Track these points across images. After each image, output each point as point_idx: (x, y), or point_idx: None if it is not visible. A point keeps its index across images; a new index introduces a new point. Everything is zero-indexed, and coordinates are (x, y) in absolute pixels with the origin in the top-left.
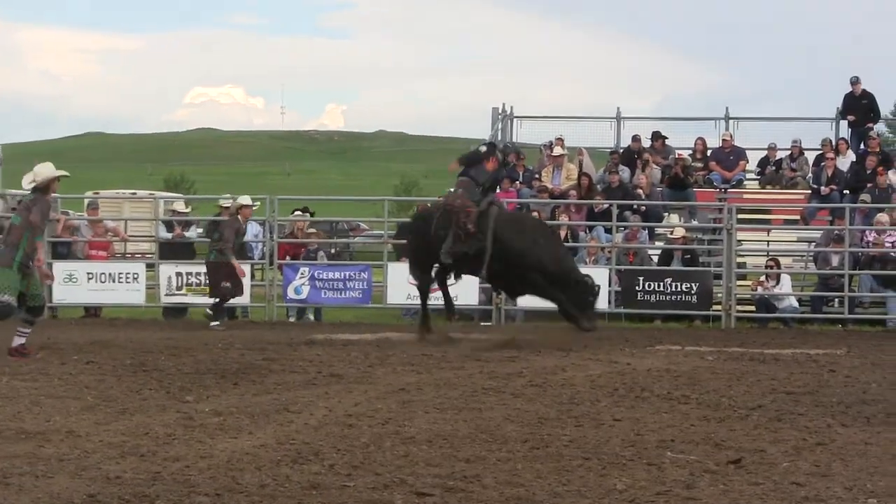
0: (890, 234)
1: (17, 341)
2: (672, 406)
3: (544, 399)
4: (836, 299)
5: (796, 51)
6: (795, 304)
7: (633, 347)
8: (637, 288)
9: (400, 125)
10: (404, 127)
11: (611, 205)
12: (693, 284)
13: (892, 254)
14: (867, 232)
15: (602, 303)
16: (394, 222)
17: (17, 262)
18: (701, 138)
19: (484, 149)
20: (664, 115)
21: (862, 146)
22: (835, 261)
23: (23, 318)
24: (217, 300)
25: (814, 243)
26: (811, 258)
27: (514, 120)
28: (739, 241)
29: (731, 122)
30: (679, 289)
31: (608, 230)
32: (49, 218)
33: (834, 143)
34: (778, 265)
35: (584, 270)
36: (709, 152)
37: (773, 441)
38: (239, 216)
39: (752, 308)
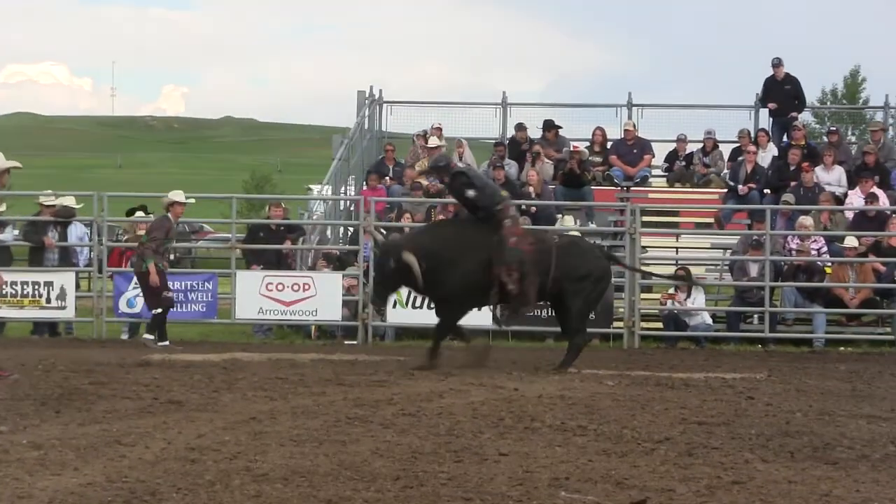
0: (816, 241)
1: None
2: (566, 438)
3: (419, 430)
4: (756, 315)
5: (710, 28)
6: (709, 320)
7: (522, 370)
8: None
9: (249, 111)
10: (254, 113)
11: None
12: None
13: (819, 263)
14: (790, 238)
15: (485, 319)
16: (243, 223)
17: None
18: (600, 128)
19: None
20: (557, 101)
21: (785, 139)
22: (754, 271)
23: None
24: (158, 312)
25: (729, 251)
26: (726, 268)
27: (384, 106)
28: (644, 247)
29: (634, 109)
30: None
31: None
32: None
33: (753, 134)
34: (689, 275)
35: None
36: (609, 144)
37: (682, 479)
38: (170, 214)
39: (659, 325)
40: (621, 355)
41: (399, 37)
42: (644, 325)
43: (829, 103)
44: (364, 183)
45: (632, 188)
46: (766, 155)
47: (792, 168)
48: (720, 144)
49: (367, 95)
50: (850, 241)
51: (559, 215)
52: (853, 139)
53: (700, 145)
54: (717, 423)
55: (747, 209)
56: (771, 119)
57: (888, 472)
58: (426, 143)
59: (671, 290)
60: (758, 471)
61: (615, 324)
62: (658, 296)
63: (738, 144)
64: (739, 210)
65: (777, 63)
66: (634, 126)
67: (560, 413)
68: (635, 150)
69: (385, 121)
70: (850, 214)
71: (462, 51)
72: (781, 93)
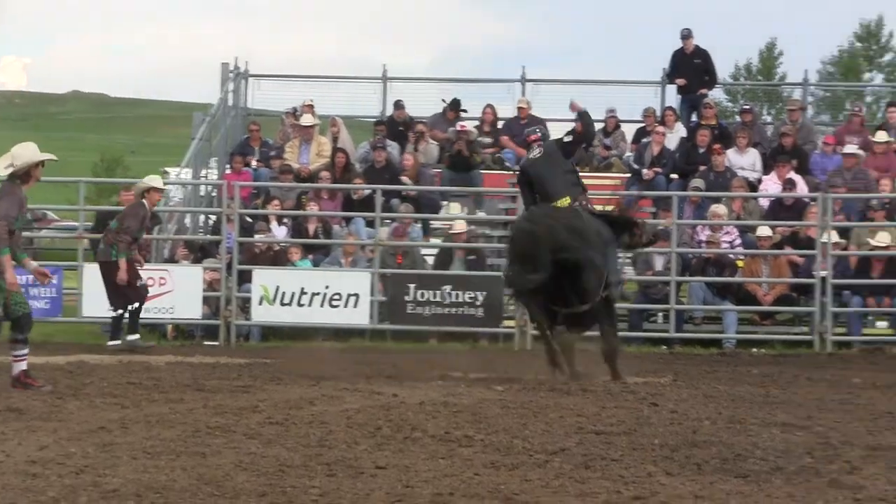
0: (728, 231)
1: (17, 368)
2: (451, 450)
3: (287, 441)
4: (660, 313)
5: None
6: None
7: (402, 375)
8: (407, 298)
9: (99, 85)
10: (105, 88)
11: (374, 191)
12: (478, 294)
13: (731, 256)
14: (699, 228)
15: (362, 317)
16: (92, 210)
17: None
18: (490, 106)
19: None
20: (443, 76)
21: (694, 118)
22: (658, 264)
23: (10, 338)
24: (135, 307)
25: None
26: (628, 261)
27: (250, 80)
28: None
29: (528, 85)
30: (461, 299)
31: (370, 223)
32: (23, 211)
33: (659, 113)
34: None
35: (337, 274)
36: (500, 124)
37: (578, 494)
38: (145, 201)
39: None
40: (512, 358)
41: (268, 3)
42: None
43: (742, 79)
44: (228, 166)
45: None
46: (674, 136)
47: (701, 150)
48: (623, 124)
49: (231, 68)
50: (764, 231)
51: (444, 202)
52: (769, 119)
53: (601, 125)
54: (618, 433)
55: (652, 196)
56: (679, 96)
57: (804, 486)
58: (297, 121)
59: None
60: (661, 485)
61: (505, 323)
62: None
63: (642, 124)
64: (644, 197)
65: (686, 35)
66: (528, 104)
67: (444, 422)
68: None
69: (251, 96)
70: (765, 202)
71: (339, 19)
72: (691, 67)
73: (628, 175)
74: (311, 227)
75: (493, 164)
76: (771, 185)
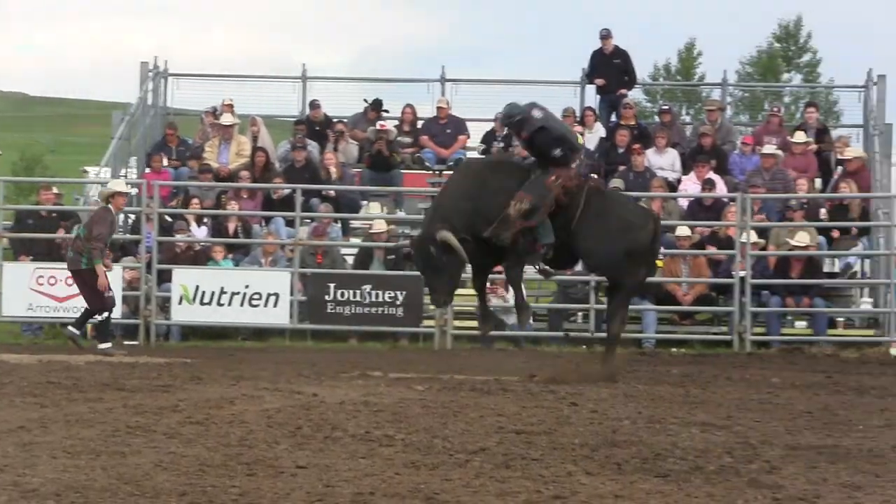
0: None
1: None
2: (371, 449)
3: (207, 440)
4: (580, 313)
5: None
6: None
7: (322, 374)
8: (327, 297)
9: (19, 84)
10: (23, 86)
11: (294, 190)
12: (398, 293)
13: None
14: None
15: (281, 317)
16: (10, 210)
17: None
18: (409, 106)
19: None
20: (363, 76)
21: (614, 118)
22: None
23: None
24: (104, 315)
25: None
26: None
27: (170, 79)
28: None
29: (448, 85)
30: (381, 299)
31: (290, 223)
32: None
33: (579, 113)
34: None
35: (257, 274)
36: (420, 124)
37: (499, 494)
38: (111, 206)
39: (475, 324)
40: (432, 358)
41: (188, 2)
42: (457, 324)
43: (661, 79)
44: (147, 165)
45: (445, 172)
46: (594, 136)
47: (621, 150)
48: None
49: (150, 67)
50: (683, 231)
51: (364, 202)
52: (688, 119)
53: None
54: (538, 432)
55: None
56: (598, 96)
57: (723, 486)
58: (216, 120)
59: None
60: (582, 484)
61: (425, 322)
62: (473, 291)
63: None
64: None
65: (605, 35)
66: (448, 103)
67: (364, 421)
68: (449, 130)
69: (171, 96)
70: (684, 202)
71: (259, 19)
72: (610, 67)
73: None
74: (231, 227)
75: (413, 163)
76: (690, 186)
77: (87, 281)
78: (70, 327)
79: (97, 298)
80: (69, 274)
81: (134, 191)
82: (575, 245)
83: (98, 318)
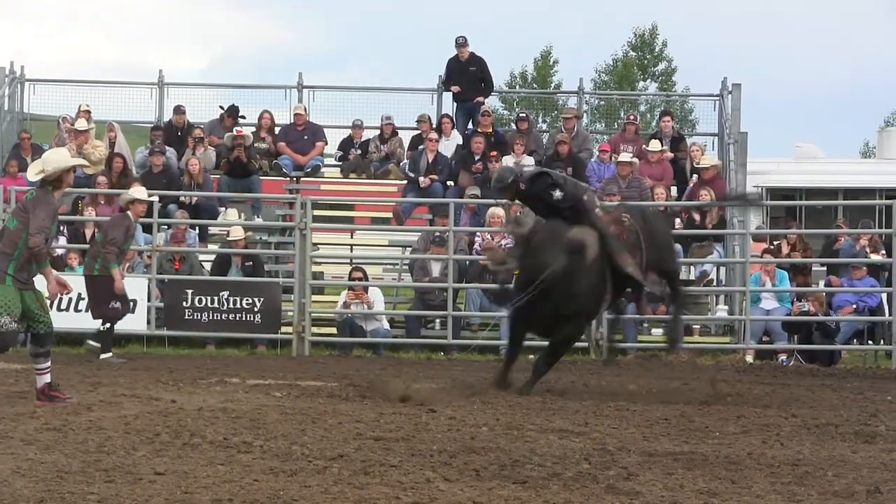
0: (505, 237)
1: (41, 381)
2: (230, 456)
3: (65, 447)
4: (438, 320)
5: (388, 1)
6: (387, 326)
7: (180, 380)
8: (185, 304)
9: None
10: None
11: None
12: (256, 300)
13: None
14: (477, 234)
15: (139, 323)
16: None
17: (10, 276)
18: (267, 112)
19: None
20: (220, 82)
21: (471, 125)
22: (436, 270)
23: (31, 352)
24: (105, 325)
25: (409, 248)
26: (406, 267)
27: (26, 84)
28: (315, 244)
29: (305, 91)
30: (238, 305)
31: (147, 229)
32: (57, 220)
33: (435, 120)
34: (365, 276)
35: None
36: (277, 130)
37: (357, 500)
38: (129, 213)
39: (333, 330)
40: (290, 364)
41: (44, 7)
42: (316, 330)
43: (518, 87)
44: (2, 170)
45: (302, 179)
46: (450, 143)
47: (477, 157)
48: (400, 131)
49: (7, 73)
50: None
51: (222, 208)
52: (544, 127)
53: (377, 132)
54: (396, 439)
55: (429, 203)
56: (455, 104)
57: (581, 492)
58: (73, 125)
59: (350, 292)
60: (440, 491)
61: (283, 329)
62: (332, 298)
63: (418, 131)
64: (420, 204)
65: (462, 42)
66: (305, 110)
67: (222, 428)
68: (306, 137)
69: (28, 101)
70: None
71: (116, 24)
72: (466, 75)
73: (405, 182)
74: (89, 233)
75: (271, 170)
76: None
77: (97, 287)
78: (102, 356)
79: (101, 307)
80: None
81: (155, 199)
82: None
83: (102, 327)
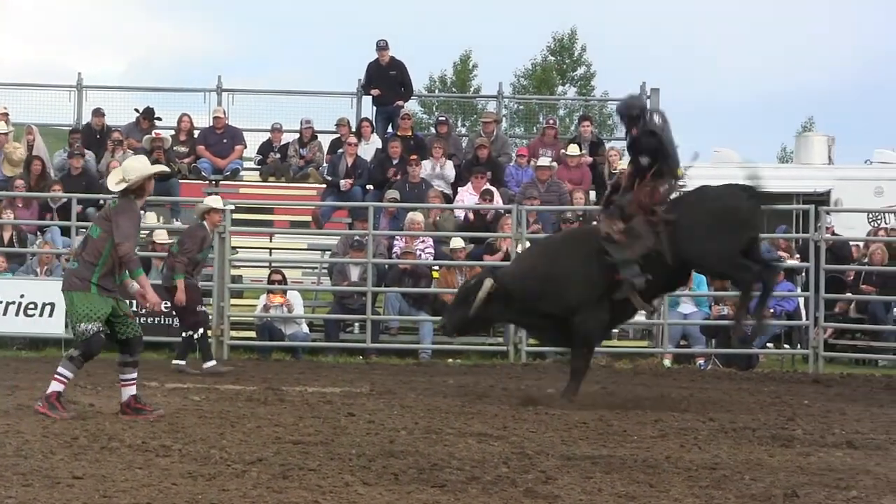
0: (423, 241)
1: (126, 393)
2: (148, 460)
3: None
4: (357, 323)
5: (309, 4)
6: (306, 329)
7: (99, 384)
8: None
9: None
10: None
11: (70, 199)
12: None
13: (427, 266)
14: (396, 238)
15: (57, 326)
16: None
17: (94, 285)
18: (186, 115)
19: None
20: (139, 85)
21: (390, 129)
22: (355, 274)
23: (119, 360)
24: (189, 333)
25: (329, 252)
26: (325, 271)
27: None
28: (234, 247)
29: (224, 94)
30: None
31: (65, 231)
32: (140, 228)
33: (355, 124)
34: (284, 280)
35: (32, 283)
36: (196, 133)
37: None
38: (205, 223)
39: (252, 334)
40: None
41: None
42: (234, 334)
43: (437, 91)
44: None
45: (221, 182)
46: (370, 147)
47: (396, 161)
48: (319, 135)
49: None
50: (457, 243)
51: (141, 211)
52: (464, 131)
53: (297, 135)
54: (315, 443)
55: (348, 206)
56: (375, 107)
57: (500, 496)
58: None
59: (273, 295)
60: (359, 494)
61: None
62: (251, 301)
63: (338, 135)
64: (340, 207)
65: (382, 46)
66: (225, 113)
67: (141, 432)
68: (225, 140)
69: None
70: (461, 213)
71: (33, 26)
72: (386, 79)
73: (324, 186)
74: (6, 236)
75: (190, 173)
76: (467, 197)
77: (174, 296)
78: (174, 362)
79: (188, 315)
80: None
81: (231, 207)
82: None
83: (191, 333)
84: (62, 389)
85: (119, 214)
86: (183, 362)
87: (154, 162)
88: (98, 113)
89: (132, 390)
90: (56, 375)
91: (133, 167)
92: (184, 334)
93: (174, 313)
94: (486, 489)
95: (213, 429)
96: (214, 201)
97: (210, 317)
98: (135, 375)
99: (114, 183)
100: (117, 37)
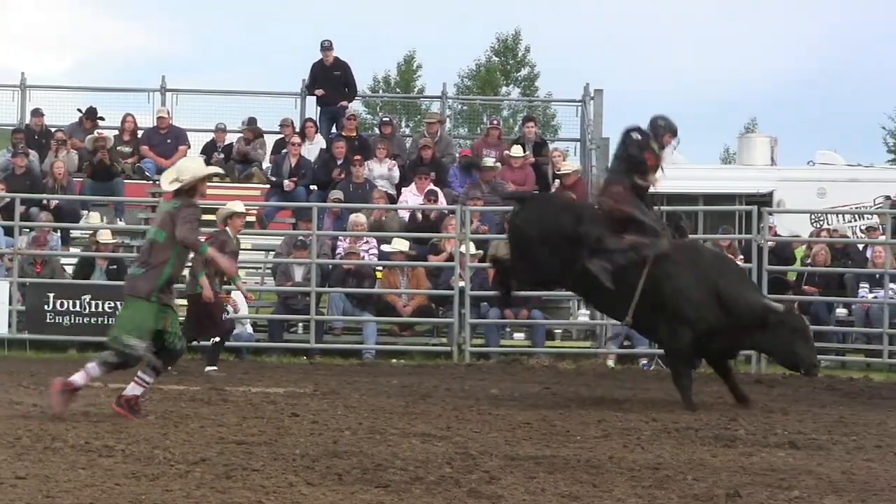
0: (367, 241)
1: (132, 390)
2: (91, 460)
3: None
4: (301, 324)
5: (252, 4)
6: (250, 329)
7: (42, 384)
8: (47, 308)
9: None
10: None
11: (13, 199)
12: (119, 304)
13: (370, 267)
14: (340, 239)
15: None
16: None
17: (155, 294)
18: (130, 115)
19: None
20: (83, 84)
21: (334, 129)
22: (298, 275)
23: (150, 361)
24: (217, 339)
25: (273, 252)
26: (269, 271)
27: None
28: None
29: (168, 94)
30: (101, 309)
31: (8, 231)
32: (198, 229)
33: (299, 124)
34: (229, 280)
35: None
36: (140, 133)
37: None
38: (228, 228)
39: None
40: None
41: None
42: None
43: (381, 91)
44: None
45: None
46: (314, 147)
47: (340, 161)
48: (264, 135)
49: None
50: (399, 244)
51: (85, 211)
52: (408, 131)
53: (241, 135)
54: (259, 443)
55: (292, 207)
56: (319, 108)
57: (443, 496)
58: None
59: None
60: (303, 494)
61: None
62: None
63: (281, 135)
64: (284, 208)
65: (327, 46)
66: (169, 113)
67: (84, 432)
68: (169, 140)
69: None
70: (404, 213)
71: None
72: (330, 79)
73: (268, 186)
74: None
75: (134, 173)
76: (410, 197)
77: (204, 304)
78: (207, 369)
79: (212, 323)
80: None
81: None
82: None
83: (216, 339)
84: (141, 392)
85: (179, 215)
86: (215, 367)
87: (98, 161)
88: (37, 113)
89: (139, 390)
90: (136, 380)
91: (187, 167)
92: (213, 341)
93: (200, 321)
94: (429, 489)
95: (156, 429)
96: (236, 206)
97: (232, 326)
98: (152, 380)
99: (167, 182)
100: (61, 37)
